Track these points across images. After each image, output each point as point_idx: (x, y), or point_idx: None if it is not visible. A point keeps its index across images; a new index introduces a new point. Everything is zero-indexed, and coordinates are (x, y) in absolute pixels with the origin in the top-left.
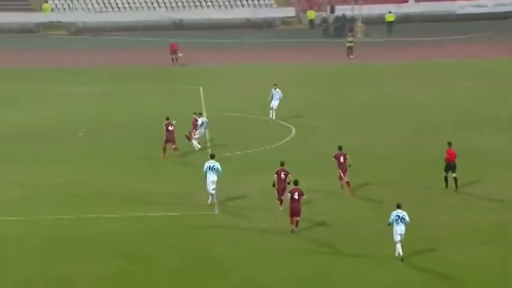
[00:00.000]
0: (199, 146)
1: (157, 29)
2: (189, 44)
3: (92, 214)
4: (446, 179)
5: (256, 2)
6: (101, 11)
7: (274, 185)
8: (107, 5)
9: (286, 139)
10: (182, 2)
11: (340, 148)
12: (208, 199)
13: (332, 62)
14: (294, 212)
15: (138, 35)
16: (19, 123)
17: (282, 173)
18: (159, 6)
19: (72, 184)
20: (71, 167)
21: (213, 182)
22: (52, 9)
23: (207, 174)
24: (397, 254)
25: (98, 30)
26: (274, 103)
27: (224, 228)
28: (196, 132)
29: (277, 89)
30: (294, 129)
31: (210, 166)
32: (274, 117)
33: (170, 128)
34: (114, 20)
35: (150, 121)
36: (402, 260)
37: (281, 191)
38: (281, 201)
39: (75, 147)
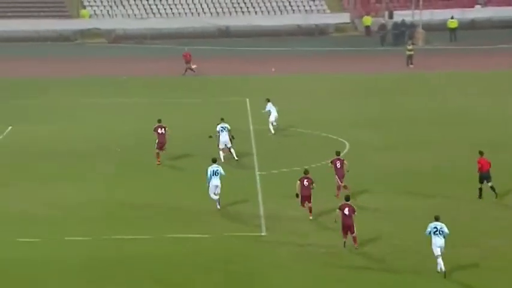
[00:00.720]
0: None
1: (202, 36)
2: (236, 52)
3: (129, 235)
4: (480, 190)
5: (307, 8)
6: (142, 18)
7: (297, 195)
8: (148, 11)
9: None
10: (228, 8)
11: (337, 153)
12: (217, 205)
13: (390, 72)
14: (346, 228)
15: (181, 43)
16: (52, 138)
17: (305, 180)
18: (204, 12)
19: (108, 203)
20: (107, 185)
21: (216, 187)
22: (90, 16)
23: (211, 179)
24: (438, 269)
25: (138, 38)
26: (274, 114)
27: (272, 250)
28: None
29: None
30: (347, 144)
31: (213, 171)
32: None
33: (160, 131)
34: (155, 27)
35: (191, 136)
36: (445, 276)
37: (305, 199)
38: (310, 209)
39: (112, 163)
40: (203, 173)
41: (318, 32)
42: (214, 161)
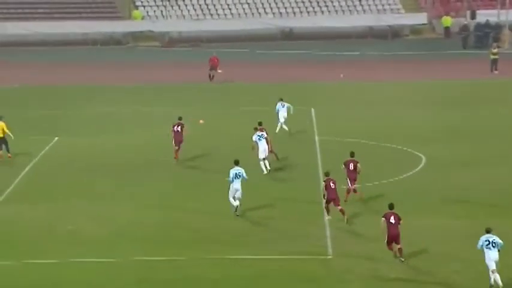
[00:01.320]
0: (266, 169)
1: (263, 39)
2: (300, 56)
3: (185, 257)
4: None
5: (380, 7)
6: (198, 19)
7: (324, 197)
8: (205, 11)
9: (415, 170)
10: (292, 8)
11: (352, 154)
12: (235, 210)
13: (472, 79)
14: (392, 238)
15: (241, 47)
16: (101, 150)
17: (331, 182)
18: (266, 13)
19: (163, 222)
20: (162, 202)
21: (237, 190)
22: (143, 17)
23: (233, 182)
24: (492, 282)
25: (194, 41)
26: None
27: (339, 275)
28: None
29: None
30: (424, 158)
31: (236, 173)
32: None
33: (176, 129)
34: (213, 29)
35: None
36: None
37: (330, 201)
38: (328, 210)
39: (167, 179)
40: (268, 192)
41: (391, 35)
42: (236, 162)
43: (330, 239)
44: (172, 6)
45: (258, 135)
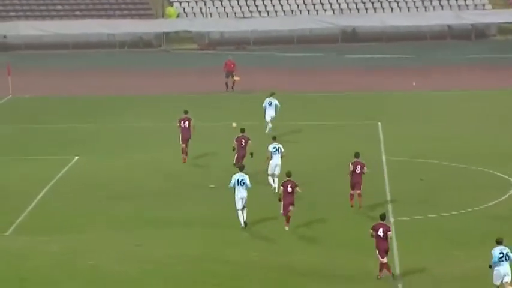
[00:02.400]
0: (274, 186)
1: (321, 40)
2: (365, 61)
3: None
4: None
5: (461, 3)
6: (244, 17)
7: (280, 200)
8: (252, 8)
9: (504, 196)
10: (356, 4)
11: (357, 155)
12: (241, 223)
13: None
14: (383, 251)
15: (293, 50)
16: (127, 171)
17: (289, 185)
18: (324, 10)
19: (198, 257)
20: (197, 233)
21: (242, 199)
22: (178, 15)
23: (236, 189)
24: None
25: (239, 43)
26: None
27: None
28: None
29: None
30: None
31: (238, 180)
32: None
33: (183, 125)
34: (260, 29)
35: (313, 169)
36: None
37: (287, 206)
38: (287, 219)
39: (203, 205)
40: (328, 224)
41: (474, 35)
42: (241, 168)
43: (400, 280)
44: (213, 2)
45: (275, 147)
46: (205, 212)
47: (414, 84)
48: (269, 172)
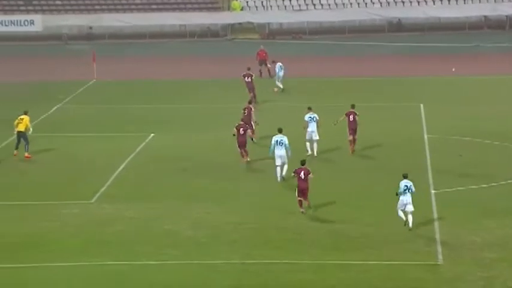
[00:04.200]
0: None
1: (369, 30)
2: (409, 49)
3: (283, 260)
4: None
5: None
6: (300, 10)
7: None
8: (308, 1)
9: None
10: None
11: (353, 106)
12: (277, 178)
13: None
14: (301, 192)
15: (345, 39)
16: (199, 148)
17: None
18: (372, 3)
19: (261, 223)
20: (261, 203)
21: (280, 157)
22: (242, 8)
23: (275, 149)
24: (410, 223)
25: (296, 33)
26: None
27: (449, 283)
28: None
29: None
30: None
31: (277, 140)
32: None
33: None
34: (316, 20)
35: (365, 148)
36: (410, 230)
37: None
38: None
39: (267, 179)
40: (374, 194)
41: (509, 25)
42: (280, 130)
43: (439, 245)
44: None
45: (310, 116)
46: (265, 185)
47: (453, 70)
48: (306, 138)
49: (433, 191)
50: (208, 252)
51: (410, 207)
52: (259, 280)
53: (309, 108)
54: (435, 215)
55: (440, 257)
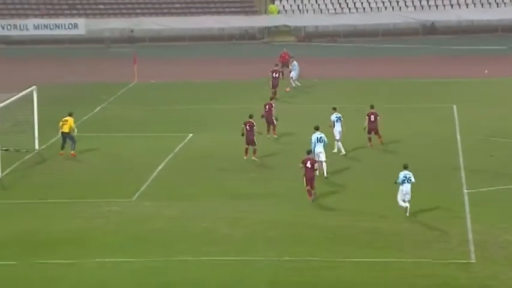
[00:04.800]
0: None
1: (403, 33)
2: (443, 52)
3: (320, 257)
4: None
5: None
6: (336, 13)
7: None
8: (343, 5)
9: None
10: (435, 1)
11: (372, 106)
12: (324, 174)
13: None
14: (309, 181)
15: (379, 42)
16: (236, 148)
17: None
18: (406, 6)
19: (298, 221)
20: (297, 200)
21: (319, 154)
22: (279, 12)
23: (316, 146)
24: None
25: (331, 36)
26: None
27: (481, 282)
28: None
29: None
30: None
31: (318, 138)
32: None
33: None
34: (350, 23)
35: (399, 147)
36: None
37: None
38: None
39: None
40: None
41: None
42: (317, 128)
43: (472, 244)
44: (309, 0)
45: (336, 116)
46: (299, 184)
47: (486, 72)
48: (336, 137)
49: (465, 191)
50: (245, 249)
51: (408, 197)
52: (295, 277)
53: (334, 109)
54: (468, 215)
55: (472, 256)
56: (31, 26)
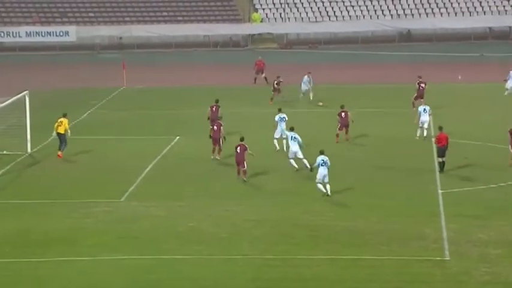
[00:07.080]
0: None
1: (380, 40)
2: (418, 58)
3: (301, 255)
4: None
5: (501, 8)
6: (316, 21)
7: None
8: (323, 13)
9: None
10: (411, 10)
11: (342, 106)
12: (294, 167)
13: None
14: (237, 163)
15: (357, 48)
16: (223, 151)
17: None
18: (384, 15)
19: (281, 220)
20: (280, 201)
21: (295, 153)
22: (262, 20)
23: (290, 144)
24: (328, 191)
25: (312, 43)
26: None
27: (456, 278)
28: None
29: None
30: None
31: (292, 136)
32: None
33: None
34: (330, 31)
35: (375, 150)
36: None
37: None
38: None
39: (287, 179)
40: (385, 193)
41: None
42: (292, 129)
43: (447, 241)
44: (290, 9)
45: (280, 117)
46: (284, 185)
47: (460, 77)
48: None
49: (440, 191)
50: (230, 247)
51: (326, 179)
52: (277, 274)
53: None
54: (442, 214)
55: (447, 253)
56: (23, 33)
